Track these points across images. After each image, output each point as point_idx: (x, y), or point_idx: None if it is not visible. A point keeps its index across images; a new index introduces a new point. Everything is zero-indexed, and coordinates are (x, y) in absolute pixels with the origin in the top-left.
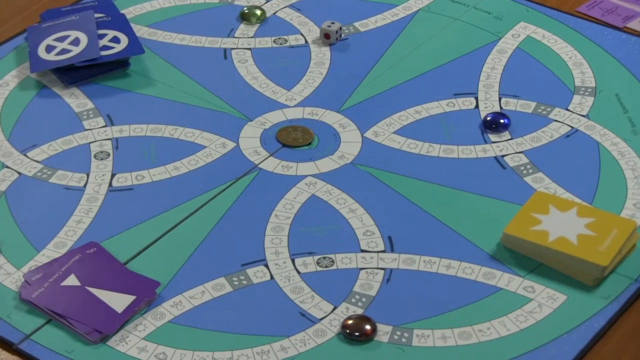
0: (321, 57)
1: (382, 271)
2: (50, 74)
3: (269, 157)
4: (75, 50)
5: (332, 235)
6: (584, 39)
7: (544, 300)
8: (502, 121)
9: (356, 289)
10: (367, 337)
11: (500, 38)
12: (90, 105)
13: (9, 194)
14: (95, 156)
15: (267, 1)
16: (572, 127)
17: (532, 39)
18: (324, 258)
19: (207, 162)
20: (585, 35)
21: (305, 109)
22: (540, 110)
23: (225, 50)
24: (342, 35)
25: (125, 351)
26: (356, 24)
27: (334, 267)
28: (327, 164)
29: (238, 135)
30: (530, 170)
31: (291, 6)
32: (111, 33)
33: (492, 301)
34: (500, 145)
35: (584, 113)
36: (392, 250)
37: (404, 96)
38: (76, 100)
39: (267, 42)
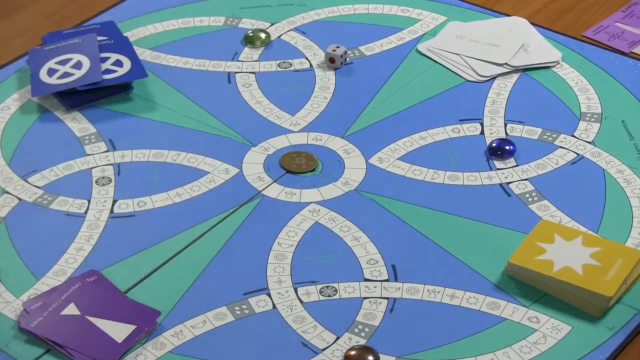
0: (326, 82)
1: (386, 301)
2: (51, 97)
3: (272, 183)
4: (78, 73)
5: (336, 264)
6: (590, 64)
7: (548, 330)
8: (507, 147)
9: (359, 318)
10: None
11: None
12: (92, 129)
13: (8, 220)
14: (96, 182)
15: (272, 24)
16: (577, 154)
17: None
18: (327, 287)
19: (210, 188)
20: (591, 61)
21: (310, 134)
22: (546, 137)
23: (229, 74)
24: (347, 59)
25: None
26: (361, 48)
27: (337, 296)
28: (331, 191)
29: (241, 161)
30: (536, 198)
31: (296, 29)
32: (114, 56)
33: (496, 332)
34: (506, 172)
35: (590, 139)
36: (396, 279)
37: (409, 122)
38: (78, 124)
39: (271, 65)
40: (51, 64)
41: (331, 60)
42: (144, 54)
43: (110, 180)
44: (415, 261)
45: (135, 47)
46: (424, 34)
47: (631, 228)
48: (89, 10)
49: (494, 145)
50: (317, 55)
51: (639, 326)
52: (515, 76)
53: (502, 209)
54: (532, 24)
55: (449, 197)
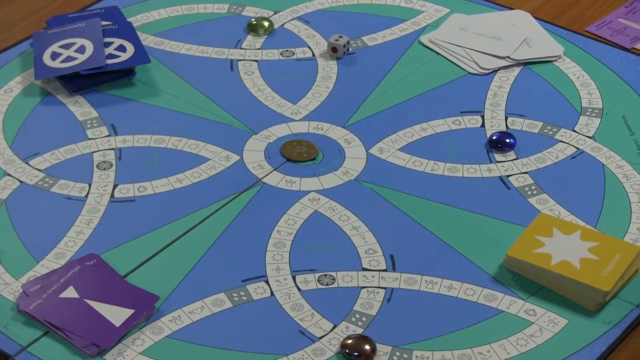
0: (328, 71)
1: (383, 290)
2: (54, 81)
3: (272, 171)
4: (81, 58)
5: (334, 253)
6: (592, 59)
7: (545, 324)
8: (507, 141)
9: (356, 308)
10: (366, 358)
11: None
12: (94, 114)
13: (9, 203)
14: (97, 166)
15: (275, 12)
16: (577, 149)
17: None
18: (325, 275)
19: (211, 175)
20: (594, 56)
21: (311, 123)
22: (546, 131)
23: (231, 61)
24: (350, 50)
25: None
26: (364, 38)
27: (335, 285)
28: (331, 180)
29: (242, 149)
30: (535, 192)
31: (299, 18)
32: (117, 41)
33: (492, 324)
34: (506, 165)
35: (590, 134)
36: (394, 270)
37: (410, 113)
38: (80, 108)
39: (274, 54)
40: (55, 47)
41: (334, 50)
42: (147, 39)
43: (111, 165)
44: (413, 252)
45: (138, 33)
46: (426, 26)
47: (629, 223)
48: None
49: (494, 138)
50: (319, 44)
51: (635, 321)
52: (517, 69)
53: (502, 202)
54: (535, 18)
55: (449, 189)
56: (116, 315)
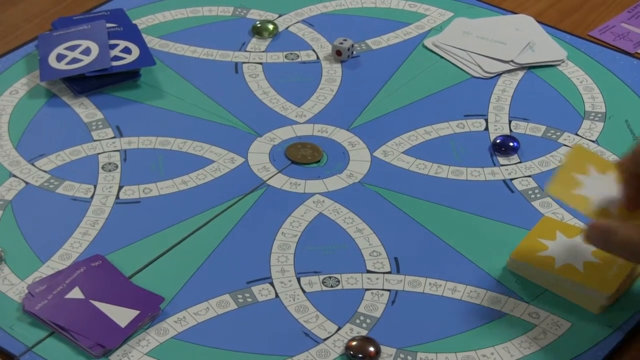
0: (332, 74)
1: (388, 292)
2: (60, 82)
3: (277, 173)
4: (86, 59)
5: (339, 255)
6: (595, 63)
7: (548, 326)
8: (511, 144)
9: (361, 309)
10: (370, 359)
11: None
12: (99, 115)
13: (15, 204)
14: (103, 167)
15: (280, 15)
16: None
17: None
18: (330, 277)
19: (215, 176)
20: (597, 60)
21: (315, 125)
22: (549, 134)
23: (236, 64)
24: (354, 53)
25: None
26: (368, 42)
27: (340, 287)
28: (335, 183)
29: (247, 151)
30: (539, 195)
31: (304, 21)
32: (122, 43)
33: (496, 326)
34: (509, 169)
35: (594, 138)
36: (398, 272)
37: (414, 116)
38: (85, 110)
39: (278, 57)
40: (60, 49)
41: (338, 53)
42: (152, 42)
43: (117, 167)
44: (417, 254)
45: (143, 35)
46: (430, 29)
47: None
48: None
49: (498, 141)
50: (324, 47)
51: (638, 324)
52: (521, 73)
53: (505, 205)
54: (539, 22)
55: (453, 192)
56: (121, 316)
